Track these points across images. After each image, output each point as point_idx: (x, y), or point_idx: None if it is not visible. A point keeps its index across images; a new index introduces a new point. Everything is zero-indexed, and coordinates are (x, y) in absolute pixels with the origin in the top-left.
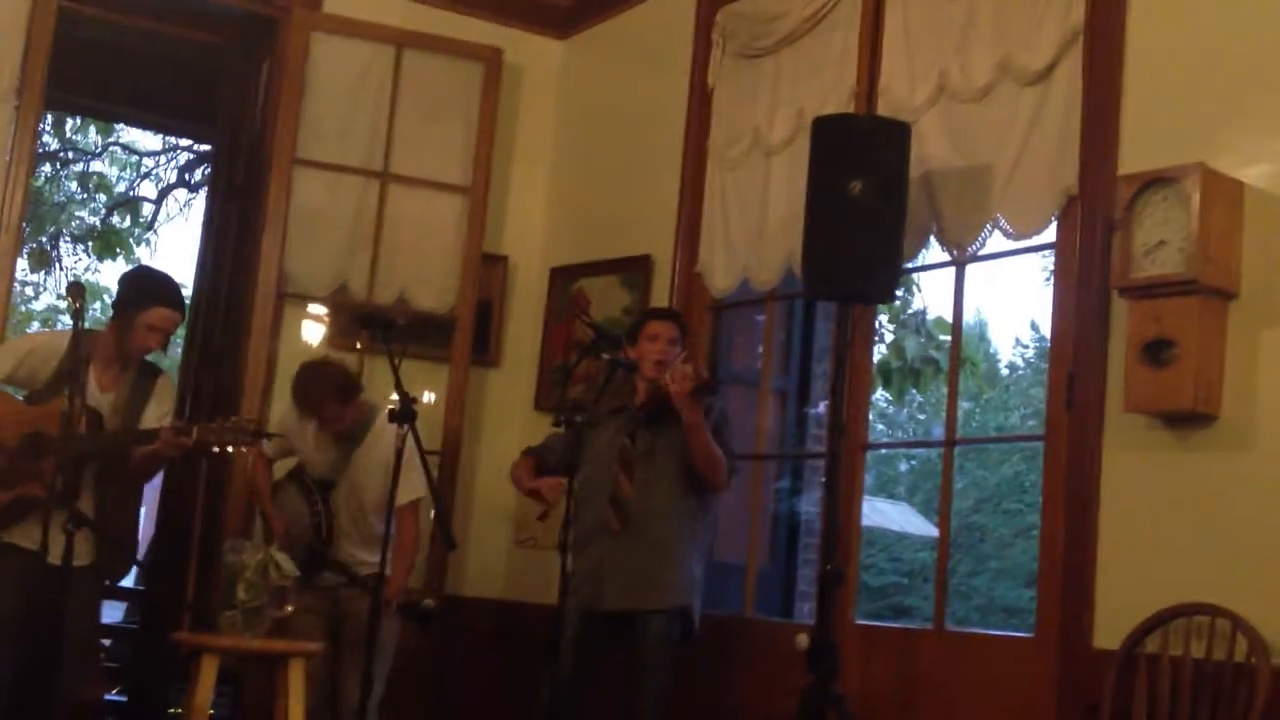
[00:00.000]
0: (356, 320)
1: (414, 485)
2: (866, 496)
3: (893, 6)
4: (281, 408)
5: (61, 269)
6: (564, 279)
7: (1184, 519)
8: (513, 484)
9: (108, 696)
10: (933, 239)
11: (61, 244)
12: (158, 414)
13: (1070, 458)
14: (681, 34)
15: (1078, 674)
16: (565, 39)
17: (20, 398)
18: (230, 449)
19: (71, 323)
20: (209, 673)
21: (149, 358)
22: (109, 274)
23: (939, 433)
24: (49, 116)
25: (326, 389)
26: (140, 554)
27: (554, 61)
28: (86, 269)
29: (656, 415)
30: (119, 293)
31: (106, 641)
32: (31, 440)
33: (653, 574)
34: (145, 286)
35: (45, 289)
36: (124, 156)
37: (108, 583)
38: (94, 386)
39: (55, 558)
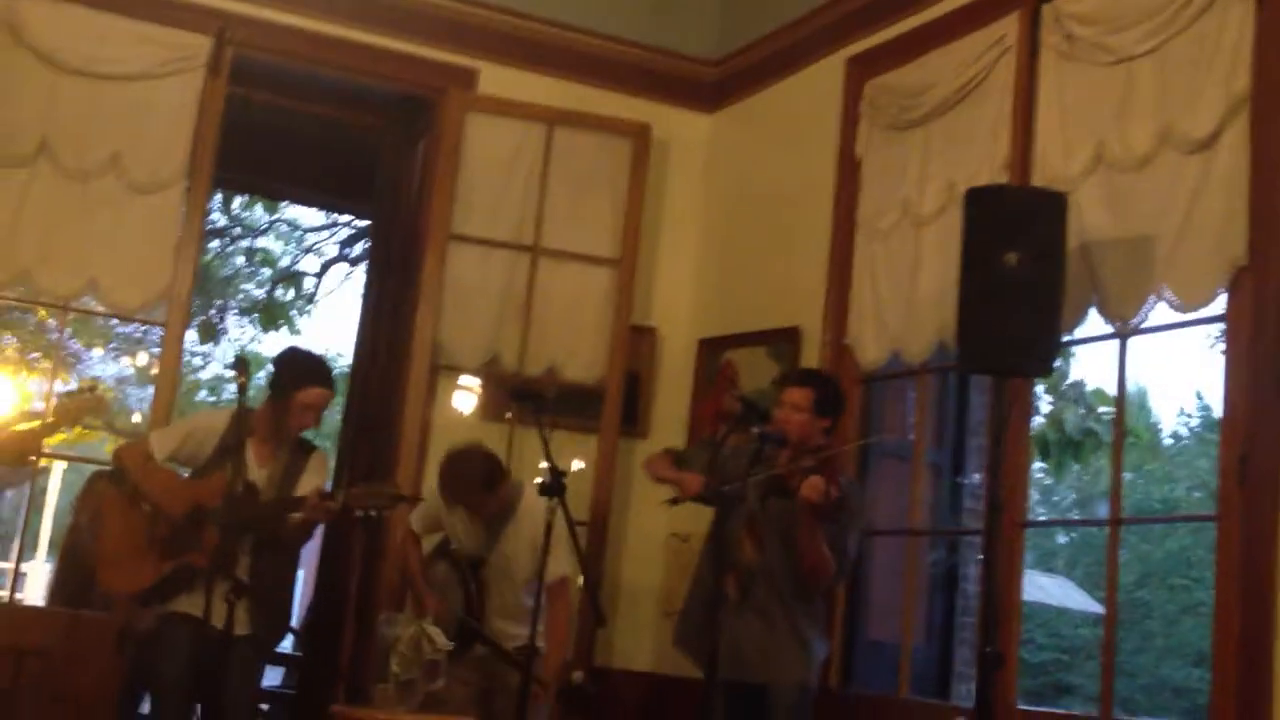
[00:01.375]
0: (507, 392)
1: (563, 562)
2: (1025, 571)
3: (1046, 75)
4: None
5: (228, 339)
6: (712, 350)
7: None
8: (646, 470)
9: None
10: (1092, 311)
11: (228, 316)
12: (311, 486)
13: (1245, 538)
14: (829, 107)
15: None
16: (712, 113)
17: (184, 474)
18: (375, 513)
19: (237, 397)
20: None
21: (304, 434)
22: (272, 345)
23: (1100, 504)
24: (218, 195)
25: (472, 479)
26: (298, 620)
27: (701, 135)
28: (251, 339)
29: (795, 489)
30: (275, 374)
31: (265, 706)
32: (194, 512)
33: (771, 647)
34: (299, 368)
35: (212, 358)
36: (288, 232)
37: (266, 649)
38: (252, 462)
39: (218, 623)
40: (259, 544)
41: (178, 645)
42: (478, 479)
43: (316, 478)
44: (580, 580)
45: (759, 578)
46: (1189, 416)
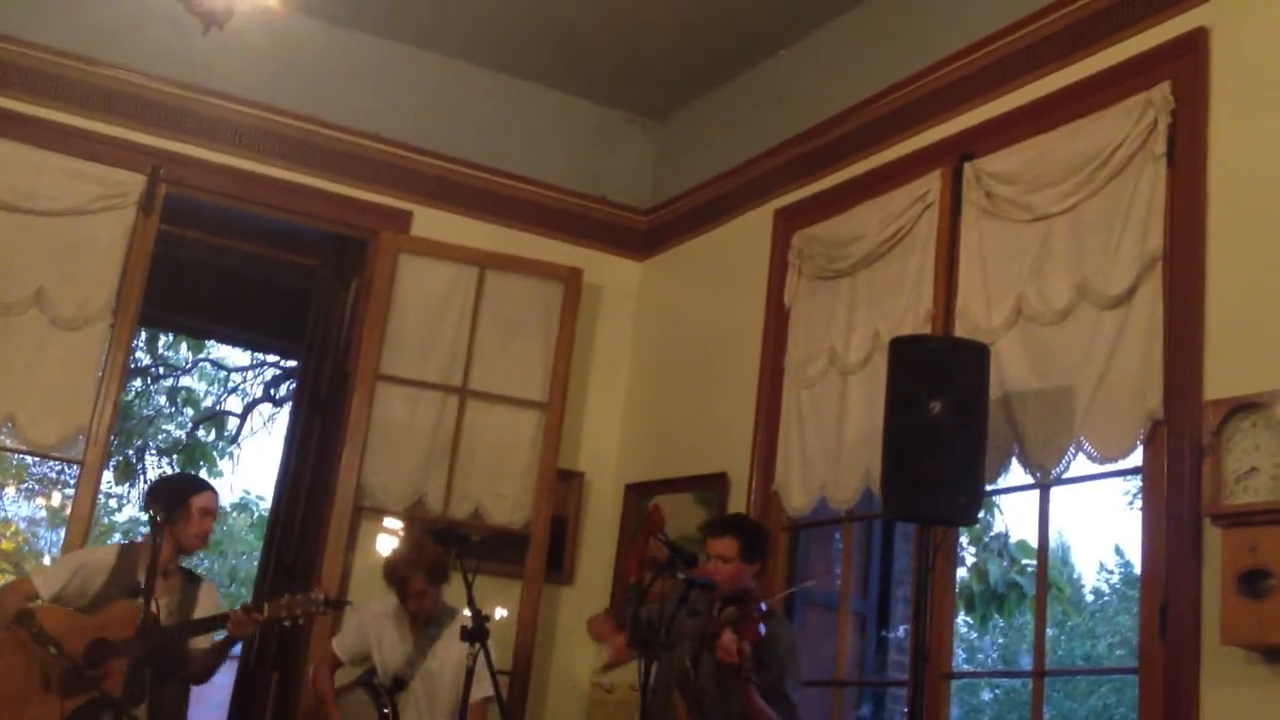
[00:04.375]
0: (431, 535)
1: (486, 685)
2: None
3: (968, 231)
4: (354, 618)
5: (145, 481)
6: (639, 496)
7: None
8: (590, 631)
9: None
10: (1014, 461)
11: (147, 456)
12: (208, 609)
13: (1167, 691)
14: (758, 255)
15: None
16: (644, 260)
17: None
18: (302, 621)
19: (150, 529)
20: None
21: (188, 565)
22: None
23: (1024, 659)
24: (142, 333)
25: (422, 562)
26: None
27: (632, 281)
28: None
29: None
30: (159, 501)
31: None
32: (96, 646)
33: None
34: (180, 483)
35: (129, 501)
36: (212, 372)
37: None
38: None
39: None
40: (157, 680)
41: None
42: (427, 564)
43: (211, 603)
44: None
45: None
46: (1110, 572)
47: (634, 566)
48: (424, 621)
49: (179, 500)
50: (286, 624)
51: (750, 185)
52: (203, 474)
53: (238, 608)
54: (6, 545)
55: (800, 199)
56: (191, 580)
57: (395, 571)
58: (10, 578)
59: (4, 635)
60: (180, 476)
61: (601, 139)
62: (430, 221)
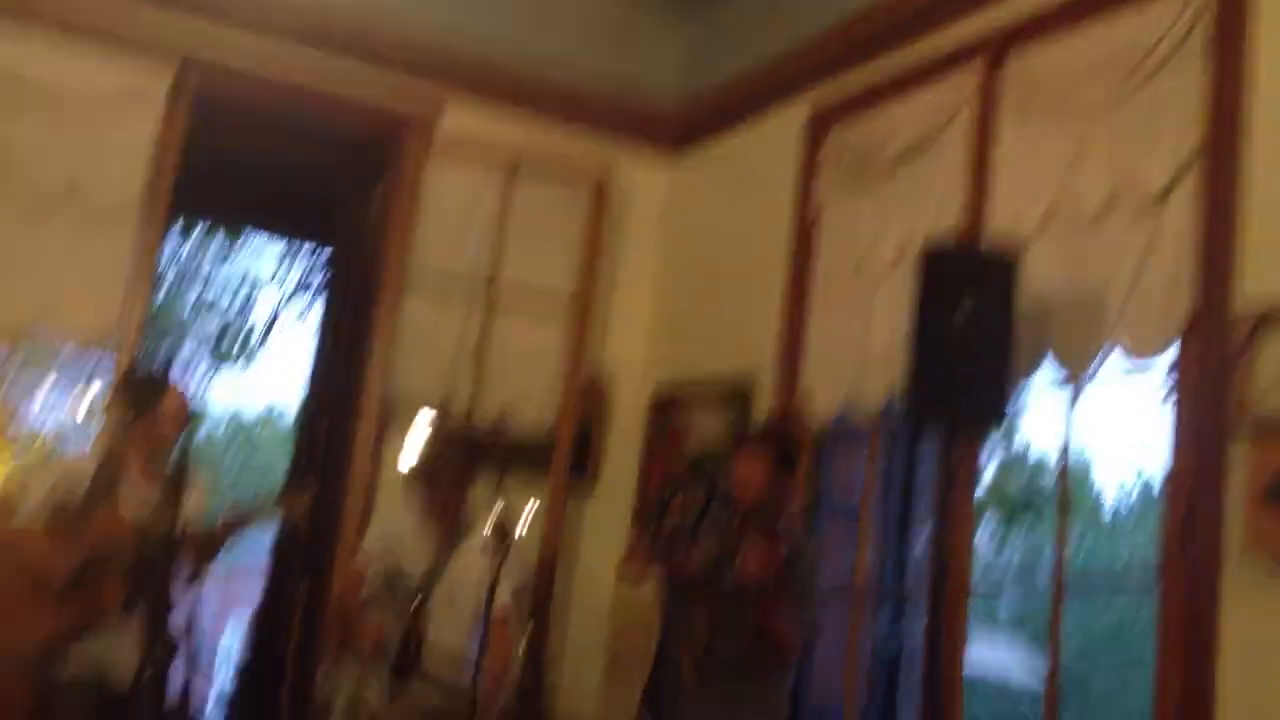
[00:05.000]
0: (459, 438)
1: (509, 589)
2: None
3: (1001, 132)
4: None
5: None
6: (665, 401)
7: None
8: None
9: None
10: (1043, 369)
11: (179, 354)
12: (197, 502)
13: (1187, 601)
14: (788, 157)
15: None
16: (673, 160)
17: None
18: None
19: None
20: None
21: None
22: (220, 386)
23: (1042, 572)
24: (175, 228)
25: (450, 458)
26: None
27: (661, 183)
28: (200, 380)
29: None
30: (128, 399)
31: None
32: (86, 564)
33: None
34: (148, 382)
35: None
36: (243, 272)
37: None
38: (137, 496)
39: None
40: (152, 581)
41: (79, 713)
42: (460, 459)
43: (199, 497)
44: (526, 627)
45: (715, 655)
46: (1129, 490)
47: (657, 478)
48: (448, 526)
49: (147, 400)
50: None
51: (782, 83)
52: (233, 373)
53: (289, 494)
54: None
55: (833, 98)
56: (178, 473)
57: (424, 468)
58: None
59: None
60: (147, 375)
61: (631, 34)
62: (458, 122)
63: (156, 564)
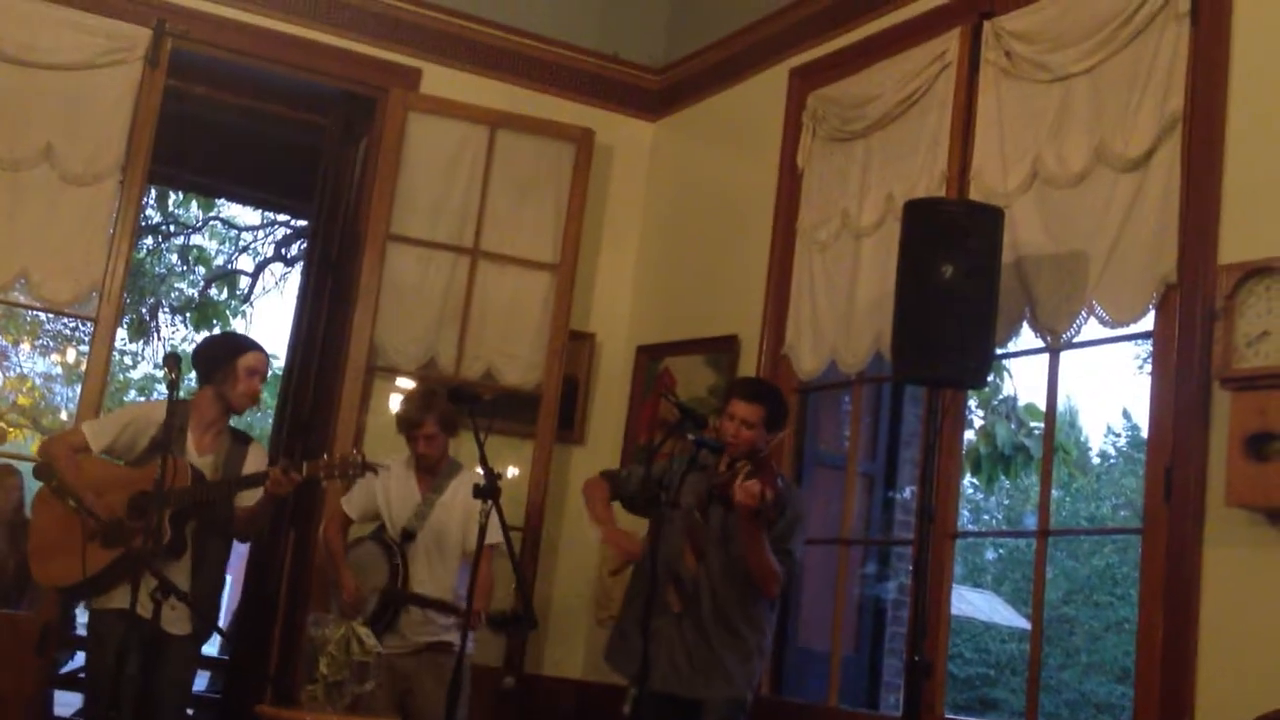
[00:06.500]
0: (444, 394)
1: (496, 530)
2: (954, 585)
3: (986, 92)
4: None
5: (159, 339)
6: (650, 357)
7: None
8: (584, 497)
9: None
10: (1025, 325)
11: (160, 315)
12: (256, 468)
13: (1169, 552)
14: (772, 116)
15: None
16: (656, 120)
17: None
18: (340, 479)
19: (167, 392)
20: None
21: (239, 425)
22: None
23: (1028, 521)
24: (152, 191)
25: (434, 406)
26: (225, 622)
27: (644, 142)
28: (183, 339)
29: (732, 497)
30: (204, 360)
31: (190, 711)
32: (138, 500)
33: (710, 661)
34: (228, 342)
35: (143, 358)
36: (223, 231)
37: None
38: (193, 451)
39: (148, 613)
40: (202, 532)
41: (110, 643)
42: (440, 409)
43: (258, 462)
44: (513, 585)
45: (701, 589)
46: (1117, 435)
47: (645, 426)
48: (431, 473)
49: (226, 360)
50: (324, 482)
51: (765, 43)
52: (214, 331)
53: (278, 467)
54: (23, 400)
55: (816, 58)
56: (240, 439)
57: (407, 415)
58: (28, 433)
59: (44, 486)
60: (227, 335)
61: None
62: (440, 80)
63: (217, 511)
